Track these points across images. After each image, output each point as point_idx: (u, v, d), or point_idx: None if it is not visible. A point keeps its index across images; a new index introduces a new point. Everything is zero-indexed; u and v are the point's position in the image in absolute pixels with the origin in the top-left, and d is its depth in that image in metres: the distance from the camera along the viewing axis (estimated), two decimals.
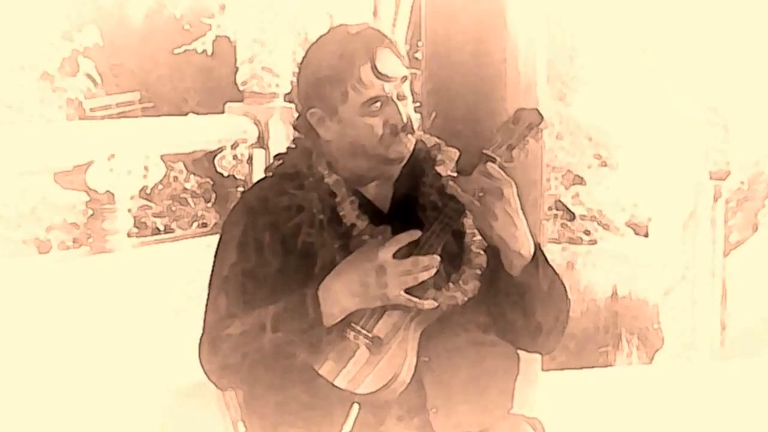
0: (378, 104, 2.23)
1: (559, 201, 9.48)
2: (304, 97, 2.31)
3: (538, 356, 3.08)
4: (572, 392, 4.60)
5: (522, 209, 2.22)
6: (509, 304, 2.25)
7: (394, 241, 2.16)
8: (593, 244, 9.47)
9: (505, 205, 2.16)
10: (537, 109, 2.22)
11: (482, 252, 2.26)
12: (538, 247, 2.23)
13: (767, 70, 8.86)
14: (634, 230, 9.55)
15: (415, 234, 2.17)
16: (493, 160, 2.19)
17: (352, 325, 2.18)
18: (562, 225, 9.57)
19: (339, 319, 2.18)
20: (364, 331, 2.17)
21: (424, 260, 2.15)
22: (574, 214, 9.50)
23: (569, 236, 9.55)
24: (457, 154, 2.35)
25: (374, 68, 2.21)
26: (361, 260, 2.16)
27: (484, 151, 2.20)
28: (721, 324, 8.96)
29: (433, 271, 2.16)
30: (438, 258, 2.17)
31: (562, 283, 2.32)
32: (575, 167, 9.57)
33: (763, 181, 9.15)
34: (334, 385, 2.16)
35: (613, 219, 9.55)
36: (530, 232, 2.21)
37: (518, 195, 2.20)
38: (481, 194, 2.14)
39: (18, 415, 4.25)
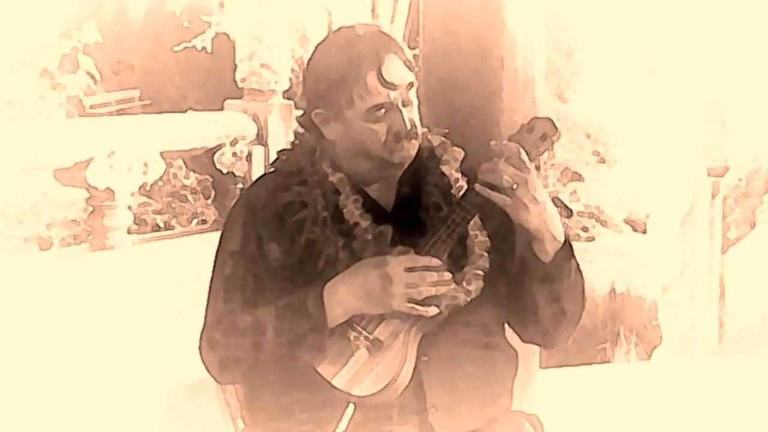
0: (383, 111, 2.23)
1: (557, 198, 9.46)
2: (309, 97, 2.30)
3: (536, 353, 3.09)
4: (570, 389, 4.60)
5: None
6: (539, 289, 2.24)
7: (409, 258, 2.17)
8: (591, 240, 9.46)
9: (533, 192, 2.15)
10: (551, 120, 2.20)
11: (485, 253, 2.26)
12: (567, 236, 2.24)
13: (766, 67, 8.86)
14: (632, 227, 9.55)
15: (433, 261, 2.17)
16: None
17: (354, 325, 2.18)
18: None
19: (341, 321, 2.19)
20: (365, 333, 2.18)
21: (432, 276, 2.16)
22: (572, 210, 9.49)
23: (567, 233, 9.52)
24: (462, 153, 2.34)
25: (380, 76, 2.20)
26: (370, 267, 2.17)
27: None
28: (719, 321, 8.94)
29: (442, 289, 2.17)
30: (450, 276, 2.18)
31: (582, 277, 2.32)
32: (573, 164, 9.56)
33: (761, 178, 9.14)
34: (332, 385, 2.17)
35: (611, 216, 9.54)
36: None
37: None
38: (514, 187, 2.13)
39: (19, 412, 4.25)
